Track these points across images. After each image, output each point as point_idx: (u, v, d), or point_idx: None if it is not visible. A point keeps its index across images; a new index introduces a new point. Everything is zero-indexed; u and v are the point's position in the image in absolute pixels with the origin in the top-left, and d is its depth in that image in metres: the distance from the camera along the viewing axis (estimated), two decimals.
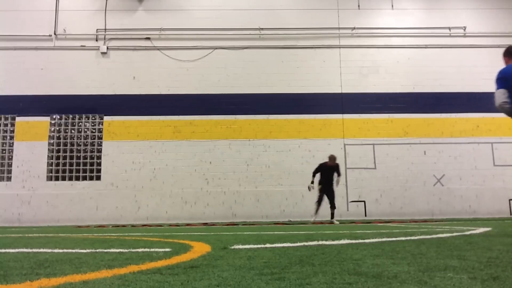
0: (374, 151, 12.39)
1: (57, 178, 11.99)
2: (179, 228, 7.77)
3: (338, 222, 9.45)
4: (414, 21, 13.21)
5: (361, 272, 1.77)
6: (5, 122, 12.31)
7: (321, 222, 9.58)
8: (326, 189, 9.84)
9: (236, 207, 11.94)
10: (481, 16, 13.25)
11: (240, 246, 3.24)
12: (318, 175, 9.91)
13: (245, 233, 5.57)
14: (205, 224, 10.36)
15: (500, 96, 4.01)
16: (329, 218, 9.81)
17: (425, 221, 9.84)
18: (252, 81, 12.62)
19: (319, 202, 9.86)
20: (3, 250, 3.19)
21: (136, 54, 12.73)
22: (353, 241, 3.56)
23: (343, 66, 12.81)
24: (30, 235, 5.89)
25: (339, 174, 9.88)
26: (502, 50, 4.47)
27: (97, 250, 3.07)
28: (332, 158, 9.92)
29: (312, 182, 9.87)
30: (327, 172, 9.88)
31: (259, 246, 3.27)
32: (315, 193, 9.92)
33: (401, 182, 12.24)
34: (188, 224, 10.23)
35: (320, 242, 3.49)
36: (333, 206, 9.76)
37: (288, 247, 3.13)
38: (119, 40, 12.76)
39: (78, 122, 12.35)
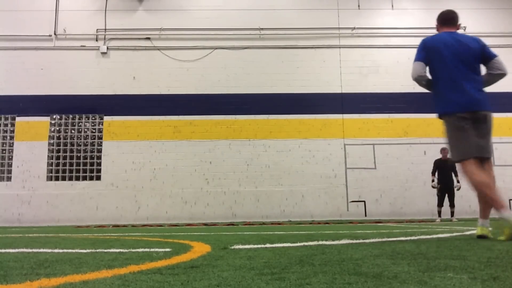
0: (374, 151, 12.39)
1: (57, 178, 11.99)
2: (179, 228, 7.76)
3: (457, 220, 9.27)
4: (414, 21, 13.20)
5: (361, 272, 1.77)
6: (5, 122, 12.31)
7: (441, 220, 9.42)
8: (449, 187, 9.47)
9: (236, 207, 11.94)
10: (481, 16, 13.24)
11: (240, 246, 3.24)
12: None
13: (245, 233, 5.57)
14: (205, 224, 10.36)
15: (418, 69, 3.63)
16: (432, 217, 9.79)
17: (424, 221, 9.83)
18: (252, 81, 12.62)
19: (440, 204, 9.61)
20: (3, 250, 3.19)
21: (136, 54, 12.73)
22: (353, 241, 3.56)
23: (343, 66, 12.81)
24: (30, 235, 5.89)
25: (456, 174, 9.30)
26: (503, 50, 4.43)
27: (97, 250, 3.07)
28: (444, 151, 9.33)
29: (433, 181, 9.61)
30: (445, 169, 9.39)
31: (259, 246, 3.27)
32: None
33: (401, 182, 12.24)
34: (188, 224, 10.23)
35: (320, 242, 3.48)
36: (452, 205, 9.62)
37: (288, 247, 3.13)
38: (119, 40, 12.76)
39: (78, 122, 12.35)
